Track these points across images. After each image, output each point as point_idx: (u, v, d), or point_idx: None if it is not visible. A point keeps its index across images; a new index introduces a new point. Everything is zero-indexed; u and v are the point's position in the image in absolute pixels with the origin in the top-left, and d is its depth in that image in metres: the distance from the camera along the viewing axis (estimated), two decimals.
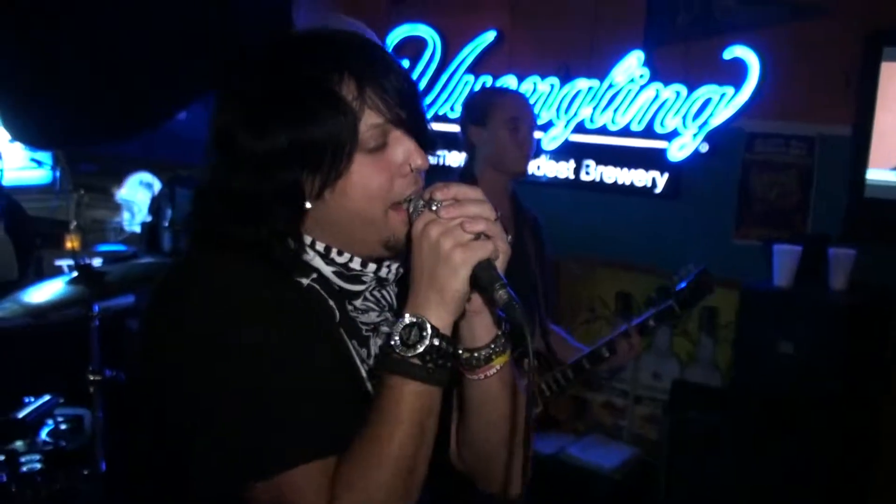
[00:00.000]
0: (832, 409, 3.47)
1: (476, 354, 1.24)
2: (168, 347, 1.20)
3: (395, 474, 1.12)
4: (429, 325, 1.12)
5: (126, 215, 4.57)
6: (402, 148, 1.23)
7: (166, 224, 4.09)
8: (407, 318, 1.13)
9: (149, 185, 4.62)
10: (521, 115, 2.84)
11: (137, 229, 4.44)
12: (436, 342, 1.12)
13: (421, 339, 1.12)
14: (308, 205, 1.22)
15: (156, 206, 4.36)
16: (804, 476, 3.47)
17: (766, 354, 3.58)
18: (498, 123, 2.80)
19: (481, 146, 2.84)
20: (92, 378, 2.84)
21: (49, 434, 2.96)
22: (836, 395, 3.47)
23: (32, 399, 3.01)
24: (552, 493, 4.06)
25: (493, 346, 1.24)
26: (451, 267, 1.11)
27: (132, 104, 4.07)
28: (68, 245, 4.01)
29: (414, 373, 1.13)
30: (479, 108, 2.88)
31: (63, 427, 2.99)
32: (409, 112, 1.23)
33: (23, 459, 2.80)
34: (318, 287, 1.27)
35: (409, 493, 1.15)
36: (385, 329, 1.31)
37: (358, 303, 1.31)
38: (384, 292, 1.35)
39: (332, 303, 1.28)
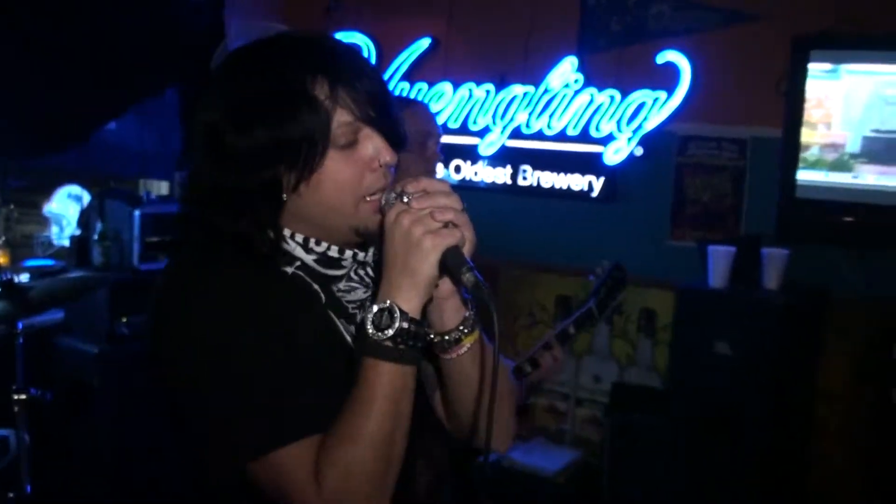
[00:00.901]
0: (767, 407, 3.51)
1: (447, 337, 1.32)
2: (166, 341, 1.28)
3: (374, 450, 1.19)
4: (398, 310, 1.20)
5: (55, 229, 4.45)
6: (372, 144, 1.31)
7: (96, 237, 3.99)
8: (378, 304, 1.21)
9: (78, 198, 4.51)
10: (429, 128, 2.68)
11: (66, 243, 4.32)
12: (405, 325, 1.20)
13: (392, 323, 1.20)
14: (285, 197, 1.30)
15: (85, 219, 4.26)
16: (742, 474, 3.50)
17: (703, 355, 3.60)
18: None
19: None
20: (16, 397, 2.75)
21: None
22: (770, 394, 3.51)
23: None
24: (496, 499, 4.06)
25: (461, 328, 1.32)
26: (422, 252, 1.19)
27: (62, 115, 3.99)
28: None
29: (386, 354, 1.21)
30: None
31: None
32: (378, 111, 1.31)
33: None
34: (302, 274, 1.36)
35: (388, 468, 1.22)
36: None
37: (342, 285, 1.40)
38: (367, 269, 1.44)
39: (316, 287, 1.36)
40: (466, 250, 1.22)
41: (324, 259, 1.36)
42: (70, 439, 3.53)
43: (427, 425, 1.49)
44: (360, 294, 1.41)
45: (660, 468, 3.74)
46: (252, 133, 1.25)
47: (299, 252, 1.35)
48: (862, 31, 3.63)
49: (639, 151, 4.19)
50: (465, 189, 4.61)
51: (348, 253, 1.37)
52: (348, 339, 1.37)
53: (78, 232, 4.28)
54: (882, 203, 3.61)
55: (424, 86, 4.66)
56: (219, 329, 1.23)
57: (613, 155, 4.23)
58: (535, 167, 4.49)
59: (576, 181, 4.38)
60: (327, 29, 4.86)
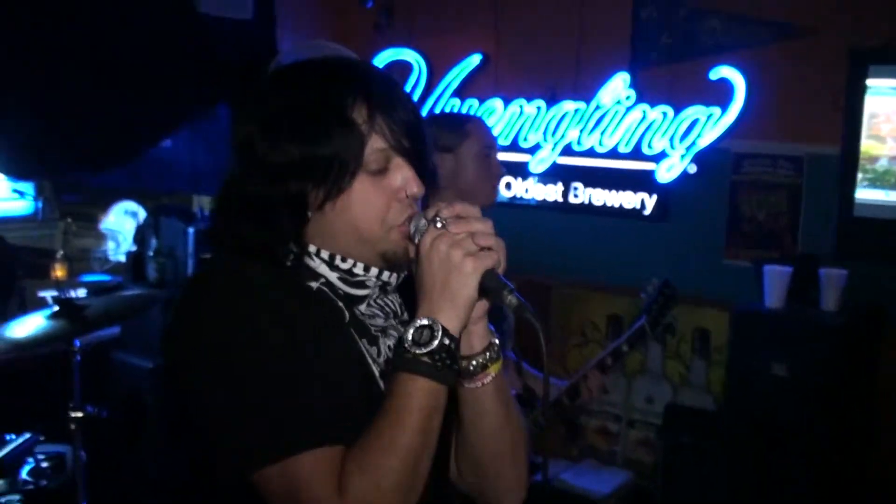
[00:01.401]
0: (825, 430, 3.43)
1: (473, 362, 1.31)
2: (190, 350, 1.28)
3: (404, 462, 1.19)
4: (440, 326, 1.20)
5: (111, 244, 4.51)
6: (401, 174, 1.32)
7: (151, 253, 4.04)
8: (420, 321, 1.22)
9: (134, 214, 4.57)
10: (491, 142, 2.68)
11: (122, 259, 4.38)
12: (446, 342, 1.20)
13: (432, 338, 1.20)
14: (310, 214, 1.31)
15: (140, 236, 4.31)
16: (798, 499, 3.43)
17: (759, 376, 3.55)
18: (470, 151, 2.62)
19: (446, 174, 2.61)
20: (73, 415, 2.79)
21: (30, 473, 2.90)
22: (828, 417, 3.44)
23: (13, 437, 2.95)
24: None
25: (487, 353, 1.32)
26: (464, 275, 1.20)
27: (116, 133, 4.04)
28: (55, 275, 3.95)
29: (424, 370, 1.20)
30: (446, 136, 2.65)
31: (44, 465, 2.93)
32: (412, 142, 1.33)
33: (3, 500, 2.74)
34: (326, 290, 1.36)
35: (413, 485, 1.21)
36: (393, 333, 1.40)
37: (363, 308, 1.39)
38: (387, 300, 1.43)
39: (340, 304, 1.36)
40: (500, 272, 1.23)
41: (348, 277, 1.36)
42: (125, 455, 3.57)
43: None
44: (380, 322, 1.40)
45: (713, 492, 3.68)
46: (284, 146, 1.28)
47: (324, 269, 1.36)
48: None
49: (692, 169, 4.13)
50: (516, 207, 4.59)
51: (373, 271, 1.37)
52: (369, 359, 1.35)
53: (134, 248, 4.34)
54: None
55: (475, 102, 4.65)
56: (239, 334, 1.23)
57: (666, 172, 4.18)
58: (586, 184, 4.45)
59: (628, 199, 4.34)
60: (377, 45, 4.89)
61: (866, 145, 3.67)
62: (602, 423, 4.51)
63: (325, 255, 1.35)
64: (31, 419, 3.08)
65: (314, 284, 1.35)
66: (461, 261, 1.20)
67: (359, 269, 1.36)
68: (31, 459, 2.95)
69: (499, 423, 1.38)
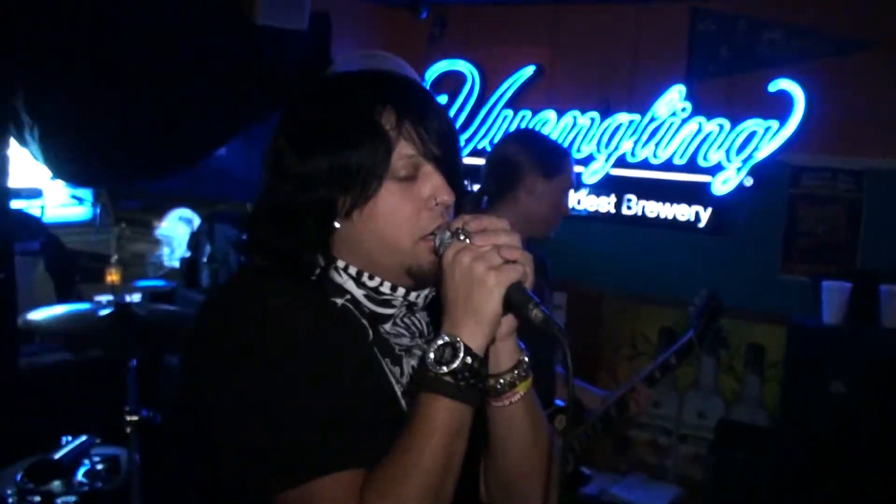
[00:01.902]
0: (883, 452, 3.36)
1: (501, 380, 1.27)
2: (208, 360, 1.26)
3: (425, 487, 1.15)
4: (462, 345, 1.16)
5: (166, 250, 4.57)
6: (431, 182, 1.28)
7: (205, 260, 4.09)
8: (441, 339, 1.18)
9: (188, 221, 4.63)
10: (575, 184, 2.70)
11: (177, 264, 4.44)
12: (468, 360, 1.16)
13: (454, 357, 1.16)
14: (337, 224, 1.29)
15: (195, 242, 4.37)
16: None
17: (816, 394, 3.49)
18: (562, 184, 2.62)
19: (531, 196, 2.59)
20: (128, 418, 2.81)
21: (85, 475, 2.93)
22: (886, 438, 3.36)
23: (69, 438, 2.99)
24: None
25: (516, 371, 1.28)
26: (486, 289, 1.15)
27: (172, 141, 4.09)
28: (109, 279, 4.01)
29: (446, 390, 1.16)
30: (552, 159, 2.63)
31: (99, 467, 2.96)
32: (443, 150, 1.30)
33: (59, 501, 2.77)
34: (351, 307, 1.32)
35: None
36: (418, 352, 1.35)
37: (388, 327, 1.35)
38: (414, 319, 1.39)
39: (365, 322, 1.33)
40: (527, 286, 1.18)
41: (374, 296, 1.33)
42: (178, 460, 3.60)
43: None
44: (406, 341, 1.36)
45: None
46: (312, 156, 1.26)
47: (350, 285, 1.32)
48: None
49: (748, 182, 4.08)
50: (569, 218, 4.55)
51: (400, 291, 1.33)
52: (392, 379, 1.32)
53: (188, 254, 4.39)
54: None
55: (528, 113, 4.64)
56: (259, 353, 1.20)
57: (722, 185, 4.13)
58: (639, 196, 4.42)
59: (682, 211, 4.29)
60: (431, 56, 4.90)
61: None
62: (652, 437, 4.46)
63: (352, 271, 1.32)
64: (88, 422, 3.12)
65: (339, 301, 1.32)
66: (484, 275, 1.15)
67: (385, 288, 1.32)
68: (86, 461, 2.98)
69: (528, 443, 1.33)
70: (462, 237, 1.20)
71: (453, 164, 1.32)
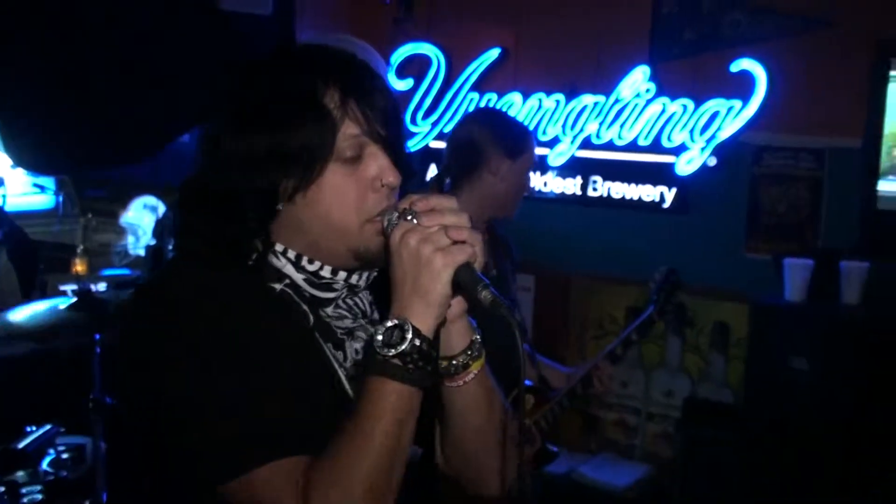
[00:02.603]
0: (845, 426, 3.41)
1: (454, 361, 1.27)
2: (142, 354, 1.22)
3: (374, 470, 1.13)
4: (410, 327, 1.14)
5: (131, 239, 4.54)
6: (377, 163, 1.25)
7: (170, 247, 4.06)
8: (390, 321, 1.15)
9: (153, 209, 4.60)
10: (536, 161, 2.73)
11: (142, 252, 4.41)
12: (417, 342, 1.14)
13: (402, 339, 1.14)
14: (280, 207, 1.25)
15: (160, 230, 4.34)
16: (817, 495, 3.40)
17: (779, 371, 3.53)
18: (525, 164, 2.64)
19: (496, 178, 2.60)
20: (93, 406, 2.80)
21: (50, 464, 2.93)
22: (848, 412, 3.41)
23: (34, 428, 2.97)
24: None
25: (469, 352, 1.28)
26: (433, 271, 1.13)
27: (134, 128, 4.06)
28: (75, 269, 3.98)
29: (394, 373, 1.14)
30: (515, 139, 2.64)
31: (64, 457, 2.95)
32: (388, 130, 1.26)
33: (24, 490, 2.76)
34: (290, 292, 1.29)
35: (386, 492, 1.16)
36: (360, 334, 1.34)
37: (329, 310, 1.33)
38: (356, 299, 1.37)
39: (305, 307, 1.30)
40: (476, 266, 1.16)
41: (314, 280, 1.30)
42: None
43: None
44: (349, 323, 1.34)
45: (732, 486, 3.66)
46: (251, 137, 1.21)
47: (289, 269, 1.29)
48: None
49: (712, 162, 4.11)
50: (535, 200, 4.58)
51: (341, 275, 1.30)
52: (335, 364, 1.29)
53: (153, 242, 4.36)
54: None
55: (494, 96, 4.64)
56: (195, 345, 1.17)
57: (686, 165, 4.16)
58: (605, 178, 4.44)
59: (647, 192, 4.32)
60: (396, 40, 4.88)
61: None
62: (620, 417, 4.50)
63: (291, 254, 1.28)
64: (53, 411, 3.10)
65: (277, 286, 1.28)
66: (431, 256, 1.13)
67: (326, 273, 1.29)
68: (51, 451, 2.97)
69: (482, 420, 1.34)
70: (409, 217, 1.17)
71: (398, 145, 1.29)
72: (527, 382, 2.73)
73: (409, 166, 1.32)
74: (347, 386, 1.28)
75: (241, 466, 1.13)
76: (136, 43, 3.91)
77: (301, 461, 1.14)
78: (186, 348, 1.17)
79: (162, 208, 4.56)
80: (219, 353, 1.17)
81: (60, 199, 4.34)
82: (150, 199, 4.59)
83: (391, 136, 1.27)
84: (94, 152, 3.99)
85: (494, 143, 2.61)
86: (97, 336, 2.85)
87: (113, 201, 4.57)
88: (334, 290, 1.32)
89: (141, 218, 4.61)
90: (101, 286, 3.91)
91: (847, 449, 3.42)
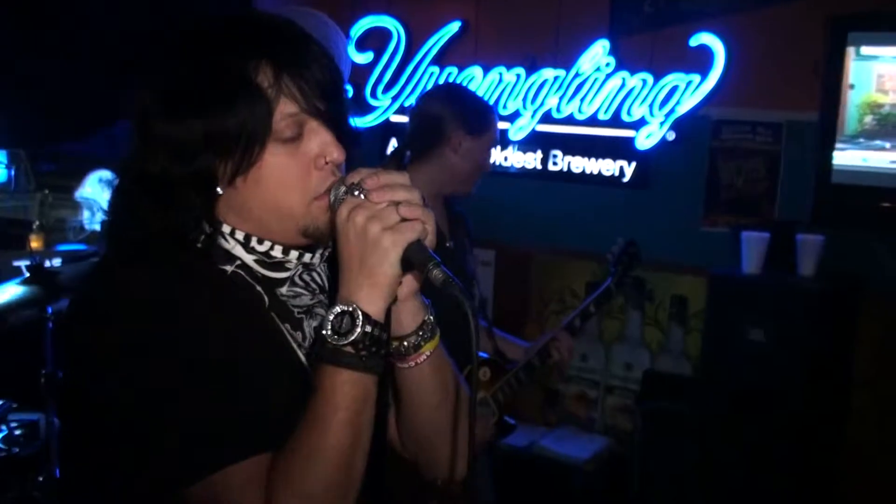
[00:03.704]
0: (801, 395, 3.46)
1: (405, 343, 1.23)
2: (90, 354, 1.17)
3: (334, 466, 1.10)
4: (360, 313, 1.10)
5: (87, 214, 4.48)
6: (318, 140, 1.20)
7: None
8: (338, 307, 1.11)
9: (109, 183, 4.52)
10: (498, 137, 2.71)
11: (98, 228, 4.35)
12: (368, 329, 1.10)
13: (353, 327, 1.10)
14: (220, 190, 1.19)
15: None
16: (774, 463, 3.45)
17: (736, 342, 3.56)
18: (487, 141, 2.62)
19: (458, 155, 2.58)
20: (46, 382, 2.77)
21: (2, 440, 2.89)
22: (804, 382, 3.46)
23: None
24: (525, 486, 4.04)
25: (420, 332, 1.23)
26: (381, 251, 1.09)
27: (88, 102, 3.99)
28: (30, 245, 3.92)
29: (347, 361, 1.11)
30: (478, 116, 2.62)
31: (17, 433, 2.92)
32: (328, 104, 1.20)
33: None
34: (243, 273, 1.24)
35: (348, 486, 1.13)
36: (319, 311, 1.30)
37: (284, 290, 1.28)
38: (313, 275, 1.32)
39: (259, 288, 1.25)
40: (427, 244, 1.12)
41: (265, 260, 1.25)
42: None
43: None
44: (306, 300, 1.29)
45: (690, 456, 3.70)
46: (184, 121, 1.15)
47: (239, 251, 1.23)
48: None
49: (671, 136, 4.13)
50: (495, 175, 4.56)
51: (293, 254, 1.25)
52: (294, 346, 1.25)
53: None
54: None
55: (455, 70, 4.61)
56: (144, 336, 1.12)
57: (645, 140, 4.17)
58: (565, 152, 4.44)
59: (607, 166, 4.33)
60: (356, 12, 4.84)
61: (875, 96, 3.64)
62: (581, 390, 4.53)
63: (240, 235, 1.23)
64: (5, 387, 3.06)
65: (228, 268, 1.23)
66: (379, 235, 1.08)
67: (277, 252, 1.24)
68: (3, 427, 2.94)
69: (437, 401, 1.30)
70: (357, 193, 1.13)
71: (340, 118, 1.23)
72: (483, 355, 2.75)
73: (353, 138, 1.27)
74: (309, 368, 1.24)
75: (203, 468, 1.09)
76: (88, 13, 3.84)
77: (263, 460, 1.11)
78: (139, 350, 1.12)
79: None
80: (174, 352, 1.12)
81: (12, 173, 4.27)
82: (107, 174, 4.52)
83: (332, 108, 1.21)
84: (46, 125, 3.93)
85: (456, 119, 2.59)
86: (49, 310, 2.81)
87: (68, 177, 4.50)
88: (287, 269, 1.27)
89: (97, 193, 4.54)
90: (57, 262, 3.86)
91: (802, 418, 3.47)
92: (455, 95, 2.78)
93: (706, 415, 3.70)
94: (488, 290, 4.52)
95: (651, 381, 4.19)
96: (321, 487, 1.09)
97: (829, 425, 3.71)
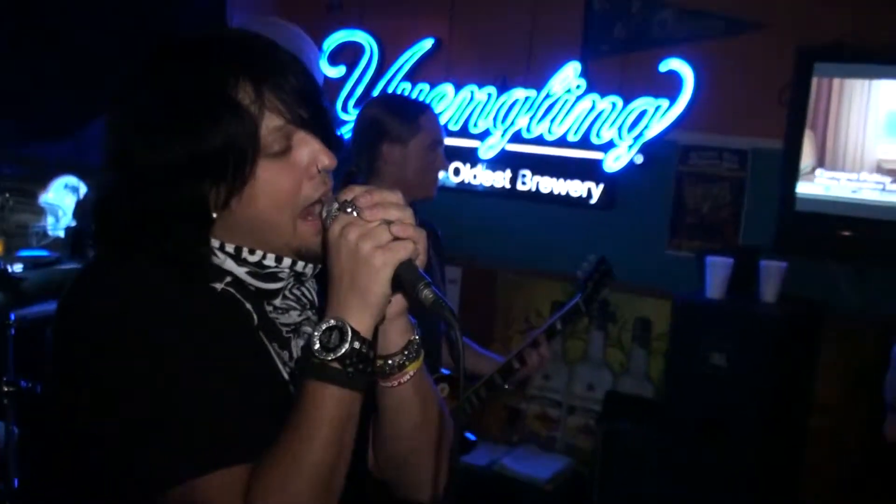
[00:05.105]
0: (761, 418, 3.50)
1: (390, 361, 1.22)
2: (77, 355, 1.16)
3: (314, 482, 1.10)
4: (349, 329, 1.09)
5: (50, 219, 4.42)
6: (308, 149, 1.19)
7: (90, 229, 3.96)
8: (327, 322, 1.10)
9: (74, 189, 4.48)
10: (441, 137, 2.63)
11: (62, 234, 4.30)
12: (356, 346, 1.10)
13: (341, 342, 1.09)
14: (214, 215, 1.18)
15: (80, 211, 4.23)
16: (734, 485, 3.49)
17: (698, 365, 3.59)
18: (422, 143, 2.56)
19: (392, 166, 2.56)
20: (6, 389, 2.72)
21: None
22: (764, 406, 3.50)
23: None
24: None
25: (406, 352, 1.22)
26: (373, 269, 1.08)
27: (53, 105, 3.96)
28: None
29: (333, 377, 1.10)
30: (402, 124, 2.57)
31: None
32: (311, 111, 1.20)
33: None
34: (232, 290, 1.24)
35: (327, 501, 1.12)
36: (307, 329, 1.29)
37: (277, 302, 1.28)
38: (304, 289, 1.32)
39: (248, 306, 1.24)
40: (418, 264, 1.12)
41: (258, 271, 1.23)
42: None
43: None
44: (296, 316, 1.29)
45: (651, 478, 3.73)
46: (166, 146, 1.13)
47: (230, 264, 1.22)
48: (866, 44, 3.62)
49: (639, 159, 4.17)
50: (464, 192, 4.59)
51: (286, 262, 1.24)
52: (280, 365, 1.25)
53: (73, 223, 4.26)
54: (882, 218, 3.60)
55: (426, 87, 4.63)
56: (136, 346, 1.12)
57: (613, 162, 4.21)
58: (534, 172, 4.47)
59: (575, 187, 4.36)
60: (329, 26, 4.84)
61: None
62: (542, 409, 4.54)
63: (230, 248, 1.22)
64: None
65: (218, 286, 1.22)
66: (370, 253, 1.08)
67: (269, 261, 1.23)
68: None
69: (417, 421, 1.29)
70: (350, 210, 1.12)
71: (326, 124, 1.23)
72: (444, 371, 2.75)
73: (339, 142, 1.27)
74: (291, 387, 1.23)
75: (183, 475, 1.08)
76: (58, 16, 3.81)
77: (244, 470, 1.10)
78: (127, 353, 1.12)
79: (83, 189, 4.45)
80: (161, 360, 1.12)
81: None
82: (72, 180, 4.47)
83: (315, 115, 1.21)
84: (8, 128, 3.88)
85: (380, 133, 2.56)
86: (12, 317, 2.77)
87: (32, 181, 4.44)
88: (280, 279, 1.26)
89: (61, 199, 4.49)
90: (18, 267, 3.81)
91: (763, 442, 3.51)
92: (375, 108, 2.70)
93: (667, 436, 3.73)
94: (454, 308, 4.52)
95: (613, 401, 4.22)
96: (300, 502, 1.09)
97: (789, 448, 3.76)
